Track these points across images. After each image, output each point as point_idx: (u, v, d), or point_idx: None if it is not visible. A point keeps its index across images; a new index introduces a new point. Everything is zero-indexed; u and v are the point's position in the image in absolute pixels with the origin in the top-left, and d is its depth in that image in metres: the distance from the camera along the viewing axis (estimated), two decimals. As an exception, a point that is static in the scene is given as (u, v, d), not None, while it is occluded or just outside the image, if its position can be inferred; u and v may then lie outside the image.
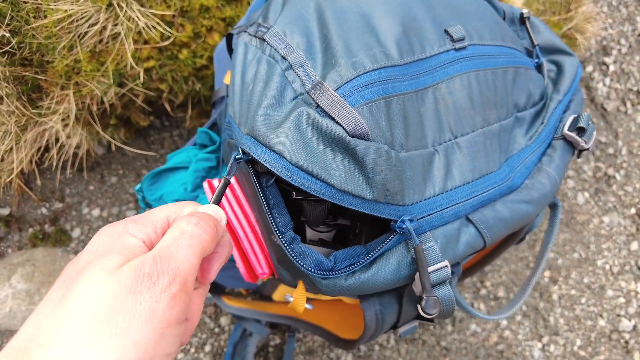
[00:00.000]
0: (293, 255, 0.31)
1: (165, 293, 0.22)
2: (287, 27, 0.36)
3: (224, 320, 0.93)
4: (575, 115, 0.43)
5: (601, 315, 1.31)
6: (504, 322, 1.19)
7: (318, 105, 0.31)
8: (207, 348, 0.91)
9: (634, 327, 1.31)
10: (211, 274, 0.29)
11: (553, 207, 0.46)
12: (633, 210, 1.42)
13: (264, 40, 0.37)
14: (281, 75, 0.34)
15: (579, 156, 0.44)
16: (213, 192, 0.50)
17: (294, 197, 0.35)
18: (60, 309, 0.21)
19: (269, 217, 0.32)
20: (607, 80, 1.45)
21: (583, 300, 1.29)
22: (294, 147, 0.29)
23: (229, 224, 0.48)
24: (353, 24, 0.35)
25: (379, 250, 0.32)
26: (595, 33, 1.09)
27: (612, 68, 1.45)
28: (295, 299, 0.40)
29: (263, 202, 0.33)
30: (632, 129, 1.46)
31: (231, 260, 0.58)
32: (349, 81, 0.32)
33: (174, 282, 0.23)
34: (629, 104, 1.46)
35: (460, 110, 0.36)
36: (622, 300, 1.35)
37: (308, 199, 0.35)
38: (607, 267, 1.35)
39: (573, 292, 1.29)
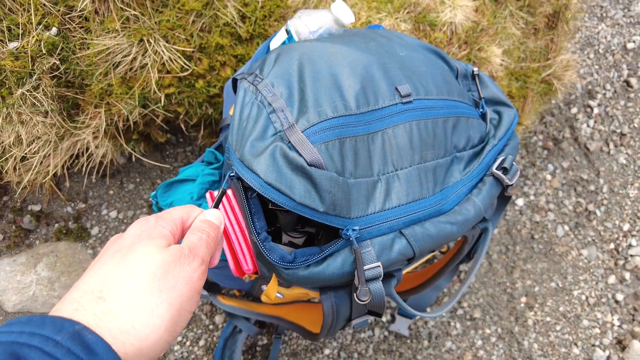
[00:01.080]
0: (264, 250, 0.42)
1: (198, 269, 0.33)
2: (275, 80, 0.48)
3: (218, 319, 1.04)
4: (503, 158, 0.54)
5: (576, 344, 1.38)
6: (479, 342, 1.27)
7: (289, 142, 0.43)
8: (201, 342, 1.01)
9: (608, 357, 1.37)
10: (213, 263, 0.40)
11: (484, 231, 0.56)
12: (612, 246, 1.50)
13: (257, 89, 0.49)
14: (266, 117, 0.45)
15: (505, 191, 0.55)
16: (213, 201, 0.62)
17: (270, 207, 0.46)
18: (122, 269, 0.30)
19: (250, 221, 0.44)
20: (592, 122, 1.54)
21: (558, 327, 1.36)
22: (268, 170, 0.41)
23: (224, 227, 0.60)
24: (324, 81, 0.47)
25: (329, 250, 0.43)
26: (573, 80, 1.20)
27: (596, 110, 1.55)
28: (268, 287, 0.51)
29: (246, 209, 0.44)
30: (614, 169, 1.54)
31: (225, 260, 0.69)
32: (313, 125, 0.43)
33: (202, 264, 0.34)
34: (611, 145, 1.55)
35: (401, 149, 0.47)
36: (597, 330, 1.41)
37: (280, 209, 0.46)
38: (584, 297, 1.42)
39: (548, 319, 1.36)
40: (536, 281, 1.36)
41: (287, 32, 0.63)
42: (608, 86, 1.58)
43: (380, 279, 0.44)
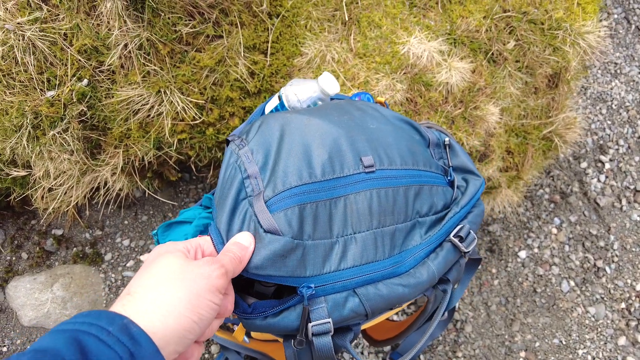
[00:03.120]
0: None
1: (217, 270, 0.40)
2: (255, 147, 0.55)
3: (214, 349, 1.09)
4: (461, 226, 0.58)
5: (577, 406, 1.33)
6: (474, 395, 1.25)
7: (254, 211, 0.49)
8: (195, 371, 1.07)
9: None
10: (227, 309, 0.45)
11: (444, 292, 0.60)
12: (623, 305, 1.46)
13: (238, 155, 0.56)
14: (241, 181, 0.52)
15: (464, 256, 0.59)
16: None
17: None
18: (146, 273, 0.38)
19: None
20: (603, 177, 1.53)
21: (558, 386, 1.33)
22: (229, 236, 0.48)
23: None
24: (296, 152, 0.53)
25: (285, 305, 0.48)
26: (575, 138, 1.22)
27: (608, 166, 1.55)
28: (236, 332, 0.57)
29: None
30: (627, 225, 1.52)
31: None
32: (278, 194, 0.50)
33: (221, 268, 0.40)
34: (624, 201, 1.53)
35: (361, 215, 0.53)
36: (602, 394, 1.36)
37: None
38: (590, 357, 1.38)
39: (549, 376, 1.33)
40: (537, 336, 1.34)
41: (279, 98, 0.71)
42: (622, 142, 1.57)
43: (330, 334, 0.48)
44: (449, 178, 0.64)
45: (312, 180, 0.52)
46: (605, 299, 1.45)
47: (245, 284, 0.55)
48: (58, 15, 0.84)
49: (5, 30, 0.81)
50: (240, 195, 0.51)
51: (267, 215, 0.47)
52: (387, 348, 1.21)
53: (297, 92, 0.69)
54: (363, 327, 0.66)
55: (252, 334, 0.96)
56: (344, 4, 1.00)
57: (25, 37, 0.82)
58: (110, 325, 0.32)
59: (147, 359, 0.32)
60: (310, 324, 0.47)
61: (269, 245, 0.47)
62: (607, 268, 1.48)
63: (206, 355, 1.09)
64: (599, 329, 1.42)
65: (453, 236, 0.58)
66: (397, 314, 1.25)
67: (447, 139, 0.66)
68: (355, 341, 1.19)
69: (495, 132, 1.10)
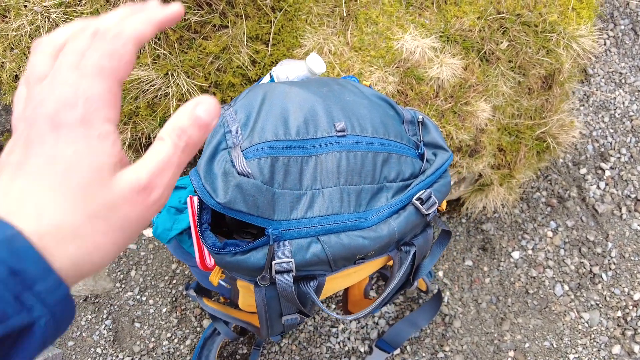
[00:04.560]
0: (202, 236, 0.54)
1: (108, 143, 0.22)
2: (239, 108, 0.62)
3: (205, 322, 1.14)
4: (423, 191, 0.63)
5: (566, 410, 1.32)
6: (460, 390, 1.26)
7: (231, 157, 0.55)
8: (187, 342, 1.12)
9: None
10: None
11: (406, 252, 0.64)
12: (619, 313, 1.44)
13: (224, 115, 0.62)
14: (222, 134, 0.58)
15: (427, 219, 0.63)
16: (192, 205, 0.75)
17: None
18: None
19: (198, 213, 0.56)
20: (602, 184, 1.54)
21: (547, 389, 1.32)
22: (206, 177, 0.53)
23: (196, 227, 0.72)
24: (274, 113, 0.60)
25: (253, 244, 0.54)
26: (570, 140, 1.24)
27: (608, 173, 1.55)
28: (212, 274, 0.62)
29: (198, 204, 0.57)
30: (627, 234, 1.52)
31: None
32: (253, 145, 0.56)
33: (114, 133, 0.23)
34: (624, 209, 1.53)
35: (329, 172, 0.58)
36: (592, 399, 1.35)
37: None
38: (581, 363, 1.36)
39: (538, 378, 1.33)
40: (527, 337, 1.34)
41: (271, 76, 0.78)
42: (624, 150, 1.58)
43: (292, 273, 0.53)
44: (419, 152, 0.69)
45: (287, 138, 0.58)
46: (600, 305, 1.45)
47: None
48: (80, 0, 0.94)
49: (34, 12, 0.90)
50: (221, 145, 0.58)
51: (241, 161, 0.53)
52: (374, 335, 1.23)
53: (287, 70, 0.75)
54: (336, 288, 0.70)
55: (239, 304, 1.01)
56: (343, 1, 1.06)
57: (50, 19, 0.91)
58: None
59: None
60: (274, 262, 0.52)
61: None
62: (603, 275, 1.47)
63: (198, 328, 1.14)
64: (593, 335, 1.41)
65: (415, 199, 0.62)
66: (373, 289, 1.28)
67: (420, 116, 0.71)
68: (342, 326, 1.22)
69: (487, 129, 1.14)
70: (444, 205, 0.71)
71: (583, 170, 1.54)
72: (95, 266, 0.22)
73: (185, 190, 0.82)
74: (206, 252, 0.70)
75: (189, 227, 0.76)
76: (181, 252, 0.81)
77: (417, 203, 0.61)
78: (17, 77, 0.95)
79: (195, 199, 0.73)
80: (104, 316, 1.12)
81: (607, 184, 1.55)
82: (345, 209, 0.58)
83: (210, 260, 0.70)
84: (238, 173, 0.53)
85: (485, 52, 1.10)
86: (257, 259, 0.54)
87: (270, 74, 0.77)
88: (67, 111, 0.22)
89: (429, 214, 0.61)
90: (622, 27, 1.66)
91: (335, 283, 0.66)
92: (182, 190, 0.83)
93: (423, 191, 0.63)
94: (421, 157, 0.69)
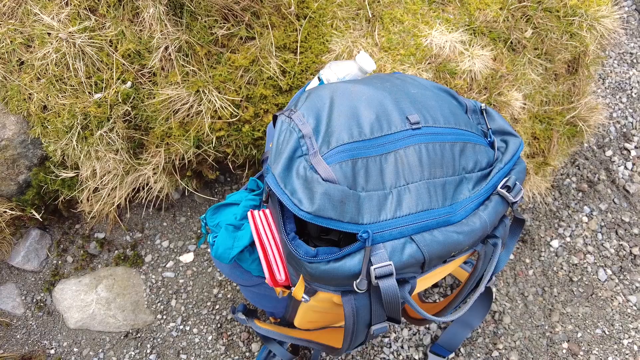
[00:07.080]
0: (292, 246, 0.50)
1: None
2: (305, 111, 0.59)
3: (254, 347, 1.09)
4: (508, 178, 0.60)
5: (628, 397, 1.28)
6: (520, 389, 1.21)
7: (311, 163, 0.52)
8: (238, 369, 1.06)
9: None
10: None
11: (495, 245, 0.61)
12: (664, 293, 1.42)
13: (291, 118, 0.59)
14: (296, 139, 0.55)
15: (512, 207, 0.60)
16: (254, 220, 0.71)
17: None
18: None
19: (281, 223, 0.52)
20: (630, 165, 1.53)
21: (607, 378, 1.28)
22: (292, 186, 0.50)
23: (261, 240, 0.68)
24: (345, 114, 0.57)
25: (347, 250, 0.50)
26: (600, 121, 1.23)
27: (634, 153, 1.54)
28: (296, 287, 0.58)
29: (279, 213, 0.53)
30: (660, 212, 1.50)
31: (262, 276, 0.77)
32: (331, 149, 0.53)
33: None
34: (654, 188, 1.52)
35: (412, 166, 0.55)
36: (652, 384, 1.31)
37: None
38: (635, 347, 1.33)
39: (595, 368, 1.29)
40: (579, 326, 1.31)
41: (319, 79, 0.75)
42: (645, 130, 1.58)
43: (393, 276, 0.50)
44: (489, 140, 0.66)
45: (362, 138, 0.55)
46: (645, 287, 1.42)
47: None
48: (105, 23, 0.91)
49: (59, 39, 0.87)
50: (297, 153, 0.54)
51: (324, 166, 0.50)
52: (427, 341, 1.19)
53: (337, 71, 0.73)
54: (417, 291, 0.67)
55: (296, 322, 0.97)
56: (366, 3, 1.05)
57: (76, 45, 0.88)
58: None
59: None
60: (372, 267, 0.49)
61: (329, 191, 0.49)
62: (643, 256, 1.45)
63: (247, 353, 1.09)
64: (642, 318, 1.38)
65: (501, 187, 0.59)
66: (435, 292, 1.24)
67: (483, 104, 0.69)
68: (394, 335, 1.18)
69: (520, 118, 1.12)
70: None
71: (609, 153, 1.53)
72: None
73: (238, 206, 0.79)
74: (276, 266, 0.66)
75: (249, 244, 0.73)
76: (239, 272, 0.77)
77: (504, 191, 0.59)
78: (45, 108, 0.91)
79: (261, 212, 0.70)
80: (148, 351, 1.06)
81: (634, 164, 1.54)
82: (435, 203, 0.55)
83: (280, 275, 0.66)
84: (323, 179, 0.50)
85: (511, 42, 1.09)
86: (353, 264, 0.51)
87: (318, 77, 0.75)
88: None
89: (515, 202, 0.58)
90: (627, 8, 1.67)
91: (420, 285, 0.62)
92: (234, 207, 0.79)
93: (507, 178, 0.60)
94: (491, 145, 0.66)
